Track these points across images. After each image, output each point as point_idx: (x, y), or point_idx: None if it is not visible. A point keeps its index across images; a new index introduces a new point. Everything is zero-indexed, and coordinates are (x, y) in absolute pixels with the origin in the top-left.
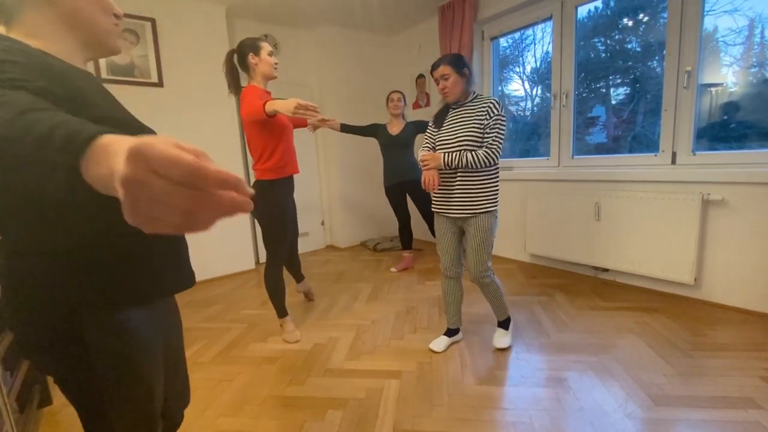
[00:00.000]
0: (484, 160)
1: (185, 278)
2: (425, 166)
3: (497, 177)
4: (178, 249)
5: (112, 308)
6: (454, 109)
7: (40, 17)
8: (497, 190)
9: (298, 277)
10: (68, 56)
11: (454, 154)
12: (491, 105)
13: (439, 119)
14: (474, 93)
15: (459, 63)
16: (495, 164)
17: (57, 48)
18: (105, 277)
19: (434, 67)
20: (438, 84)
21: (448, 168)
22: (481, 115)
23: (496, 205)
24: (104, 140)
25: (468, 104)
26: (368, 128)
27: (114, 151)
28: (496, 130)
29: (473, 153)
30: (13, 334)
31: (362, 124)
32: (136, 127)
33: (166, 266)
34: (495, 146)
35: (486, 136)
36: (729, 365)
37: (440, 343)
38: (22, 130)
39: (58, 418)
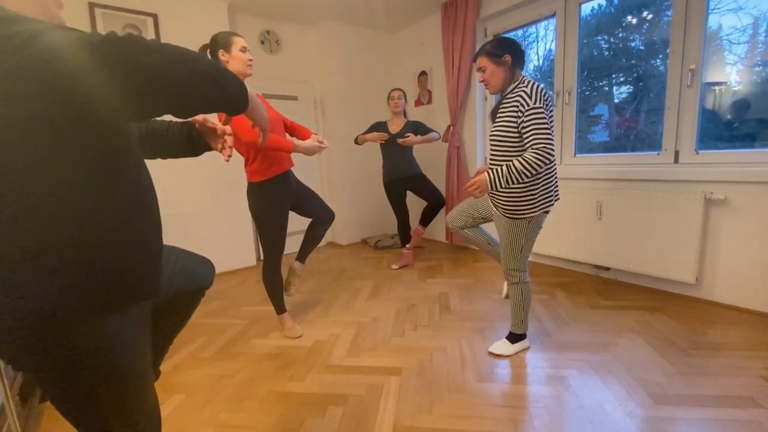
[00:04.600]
0: (534, 164)
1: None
2: (475, 193)
3: (531, 185)
4: (156, 252)
5: (96, 315)
6: (502, 100)
7: None
8: (531, 198)
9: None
10: None
11: (499, 171)
12: (520, 98)
13: (494, 113)
14: (518, 80)
15: (497, 50)
16: (548, 163)
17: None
18: (86, 283)
19: (474, 59)
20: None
21: (499, 189)
22: (513, 111)
23: (525, 214)
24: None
25: (508, 95)
26: (371, 130)
27: (258, 105)
28: (532, 126)
29: (521, 160)
30: None
31: (365, 131)
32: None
33: (150, 270)
34: (540, 145)
35: (524, 136)
36: (730, 364)
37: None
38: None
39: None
